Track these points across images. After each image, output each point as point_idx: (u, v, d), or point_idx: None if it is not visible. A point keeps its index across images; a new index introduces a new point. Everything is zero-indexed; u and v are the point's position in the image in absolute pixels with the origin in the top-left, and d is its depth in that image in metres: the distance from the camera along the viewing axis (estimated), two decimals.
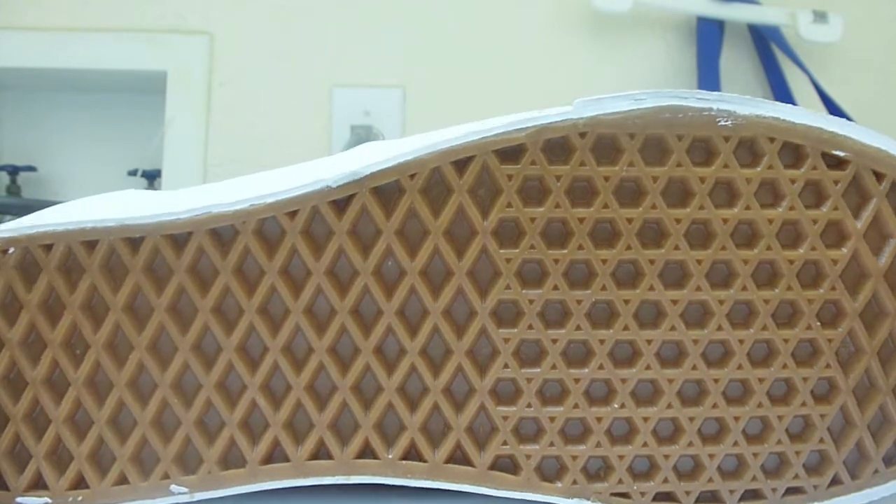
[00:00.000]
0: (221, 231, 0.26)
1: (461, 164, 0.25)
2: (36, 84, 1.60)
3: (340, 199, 0.25)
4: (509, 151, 0.25)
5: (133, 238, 0.26)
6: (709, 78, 1.31)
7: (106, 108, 1.63)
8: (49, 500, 0.26)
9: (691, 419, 0.26)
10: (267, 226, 0.26)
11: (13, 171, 1.61)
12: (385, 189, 0.26)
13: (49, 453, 0.26)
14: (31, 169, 1.59)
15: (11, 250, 0.25)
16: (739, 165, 0.25)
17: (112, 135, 1.65)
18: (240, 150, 1.40)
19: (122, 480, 0.26)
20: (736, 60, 1.39)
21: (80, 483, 0.26)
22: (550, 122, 0.25)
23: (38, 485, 0.26)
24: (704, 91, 0.25)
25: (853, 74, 1.34)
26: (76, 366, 0.26)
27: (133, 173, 1.64)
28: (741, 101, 0.25)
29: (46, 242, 0.25)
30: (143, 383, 0.27)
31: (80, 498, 0.26)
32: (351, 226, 0.26)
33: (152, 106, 1.47)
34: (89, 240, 0.26)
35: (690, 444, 0.26)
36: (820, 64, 1.33)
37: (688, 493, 0.26)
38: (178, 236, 0.26)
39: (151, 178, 1.60)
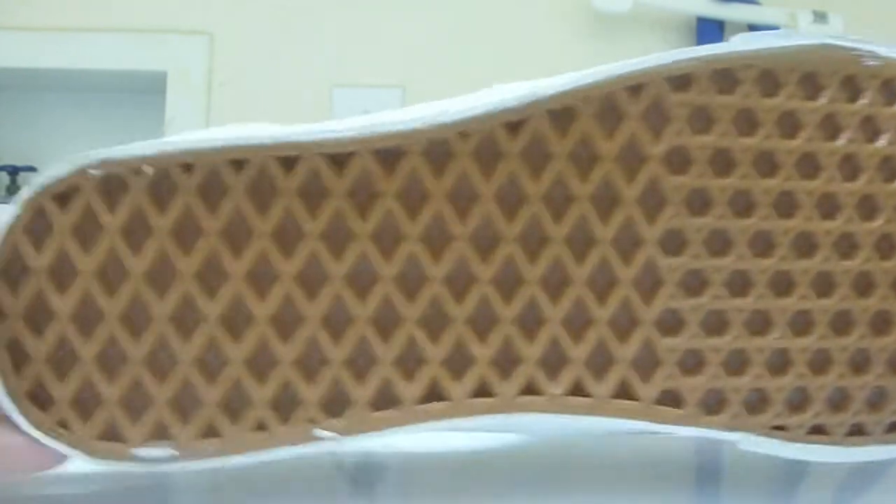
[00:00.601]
0: (386, 151, 0.23)
1: (635, 90, 0.25)
2: (36, 84, 1.60)
3: (514, 122, 0.24)
4: (679, 80, 0.25)
5: (288, 157, 0.23)
6: None
7: (106, 108, 1.63)
8: (174, 452, 0.23)
9: (843, 349, 0.26)
10: (435, 147, 0.24)
11: (13, 171, 1.61)
12: (559, 113, 0.25)
13: (173, 399, 0.23)
14: (32, 169, 1.59)
15: (147, 169, 0.22)
16: (882, 104, 0.27)
17: (112, 135, 1.65)
18: None
19: (260, 426, 0.23)
20: None
21: (209, 431, 0.23)
22: (718, 54, 0.25)
23: (159, 436, 0.23)
24: (852, 35, 0.27)
25: None
26: (210, 300, 0.23)
27: None
28: (886, 45, 0.27)
29: (187, 161, 0.22)
30: (287, 318, 0.24)
31: (210, 448, 0.23)
32: (524, 148, 0.24)
33: (152, 106, 1.48)
34: (237, 158, 0.23)
35: (841, 375, 0.26)
36: None
37: (839, 424, 0.27)
38: (338, 156, 0.23)
39: None
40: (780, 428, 0.26)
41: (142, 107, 1.56)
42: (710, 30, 1.37)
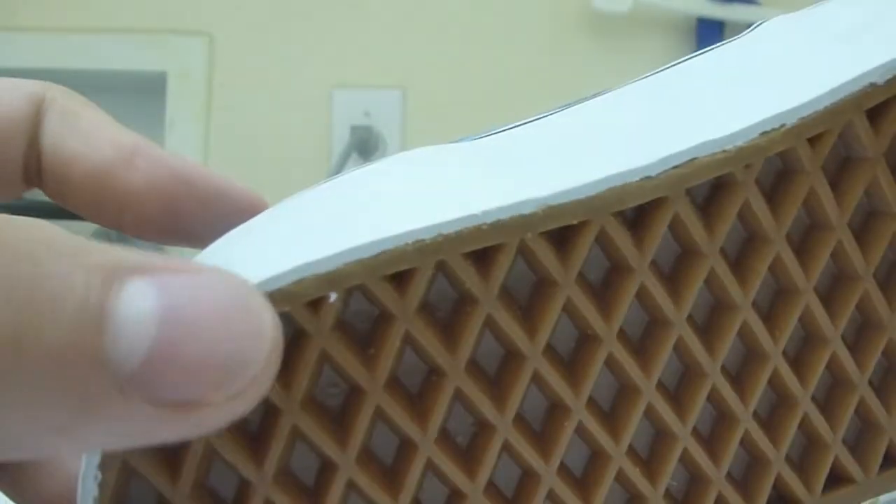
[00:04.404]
0: (700, 186, 0.17)
1: None
2: None
3: (880, 105, 0.17)
4: None
5: (570, 226, 0.15)
6: None
7: (106, 108, 1.63)
8: None
9: None
10: (771, 164, 0.17)
11: None
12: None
13: None
14: None
15: (333, 297, 0.14)
16: None
17: None
18: (240, 150, 1.40)
19: None
20: None
21: None
22: None
23: None
24: None
25: None
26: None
27: None
28: None
29: (394, 270, 0.14)
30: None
31: None
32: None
33: (152, 106, 1.47)
34: (493, 244, 0.15)
35: None
36: None
37: None
38: (641, 207, 0.16)
39: None
40: None
41: (142, 107, 1.56)
42: (710, 30, 1.37)
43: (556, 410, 0.17)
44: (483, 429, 0.16)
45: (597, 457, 0.18)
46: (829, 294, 0.18)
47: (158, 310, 0.11)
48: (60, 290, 0.10)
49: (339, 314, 0.14)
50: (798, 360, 0.19)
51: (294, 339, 0.14)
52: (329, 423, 0.15)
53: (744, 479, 0.19)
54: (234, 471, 0.15)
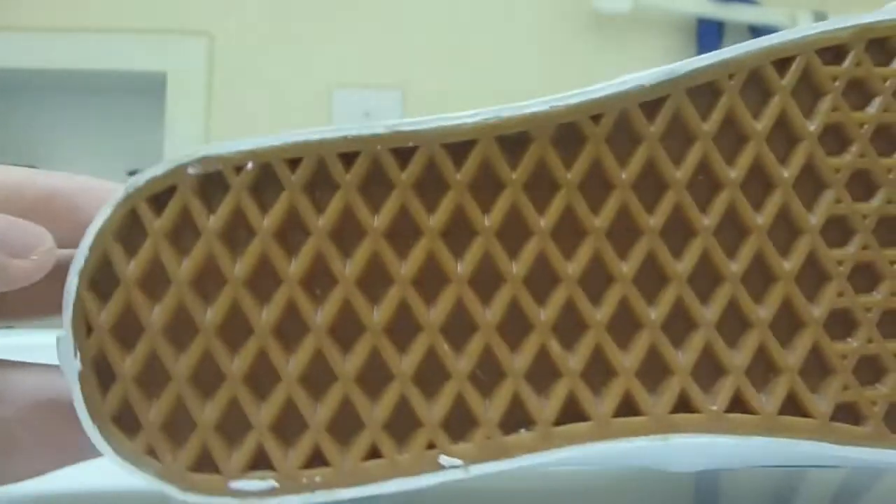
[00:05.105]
0: (510, 139, 0.21)
1: (782, 65, 0.23)
2: (36, 85, 1.60)
3: (651, 101, 0.22)
4: (831, 52, 0.23)
5: (403, 148, 0.21)
6: None
7: (105, 108, 1.63)
8: (275, 484, 0.20)
9: None
10: (564, 132, 0.22)
11: None
12: (700, 91, 0.22)
13: (274, 423, 0.20)
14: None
15: (249, 166, 0.20)
16: None
17: (111, 135, 1.65)
18: None
19: (373, 454, 0.21)
20: None
21: (315, 459, 0.20)
22: (873, 23, 0.23)
23: (258, 464, 0.20)
24: None
25: None
26: (317, 308, 0.21)
27: (133, 174, 1.64)
28: None
29: (294, 156, 0.20)
30: (400, 328, 0.21)
31: (317, 478, 0.20)
32: (663, 129, 0.22)
33: (152, 106, 1.48)
34: (349, 151, 0.21)
35: None
36: None
37: None
38: (457, 146, 0.21)
39: None
40: None
41: (142, 107, 1.56)
42: (710, 30, 1.37)
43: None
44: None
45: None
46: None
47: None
48: None
49: (252, 181, 0.21)
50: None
51: (221, 193, 0.20)
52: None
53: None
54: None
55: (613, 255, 0.22)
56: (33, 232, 0.20)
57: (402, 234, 0.21)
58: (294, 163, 0.21)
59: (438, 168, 0.21)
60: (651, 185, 0.22)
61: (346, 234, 0.21)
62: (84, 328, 0.20)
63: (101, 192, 0.23)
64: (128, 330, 0.20)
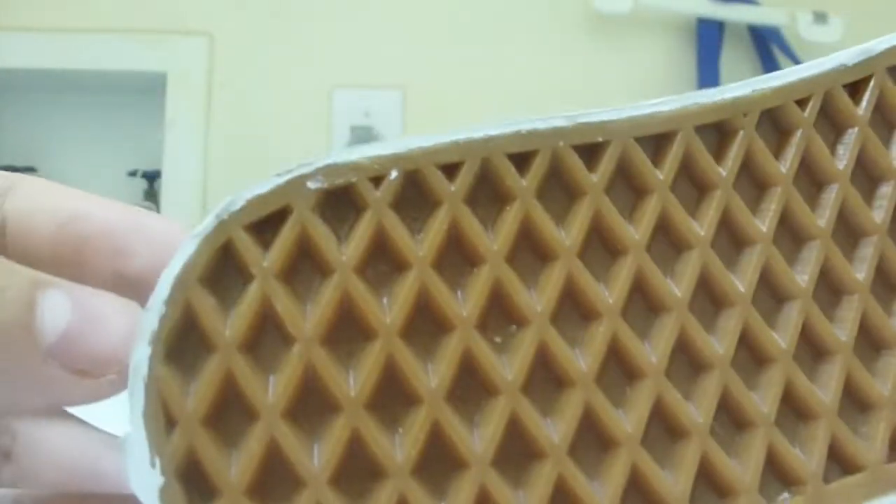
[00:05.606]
0: (706, 129, 0.18)
1: None
2: (36, 85, 1.60)
3: (853, 83, 0.20)
4: None
5: (590, 144, 0.17)
6: (709, 78, 1.31)
7: (106, 108, 1.63)
8: None
9: None
10: (766, 120, 0.19)
11: (12, 171, 1.61)
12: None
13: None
14: (31, 170, 1.59)
15: (393, 175, 0.15)
16: None
17: (112, 135, 1.65)
18: (239, 150, 1.40)
19: None
20: (736, 61, 1.39)
21: None
22: None
23: None
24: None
25: None
26: (502, 359, 0.16)
27: (133, 174, 1.64)
28: None
29: (451, 160, 0.16)
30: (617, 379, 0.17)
31: None
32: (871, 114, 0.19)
33: (152, 106, 1.47)
34: (522, 150, 0.16)
35: None
36: None
37: None
38: (652, 139, 0.17)
39: (151, 178, 1.60)
40: None
41: (142, 107, 1.56)
42: (710, 30, 1.37)
43: (590, 315, 0.17)
44: (520, 325, 0.16)
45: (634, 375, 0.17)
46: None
47: (69, 303, 0.15)
48: (3, 286, 0.15)
49: (396, 195, 0.16)
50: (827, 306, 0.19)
51: (354, 214, 0.16)
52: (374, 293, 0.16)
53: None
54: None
55: (844, 263, 0.19)
56: (115, 333, 0.15)
57: (598, 252, 0.17)
58: (450, 169, 0.16)
59: (635, 166, 0.17)
60: (865, 178, 0.20)
61: (525, 257, 0.17)
62: (163, 421, 0.14)
63: (157, 233, 0.18)
64: (231, 419, 0.14)
